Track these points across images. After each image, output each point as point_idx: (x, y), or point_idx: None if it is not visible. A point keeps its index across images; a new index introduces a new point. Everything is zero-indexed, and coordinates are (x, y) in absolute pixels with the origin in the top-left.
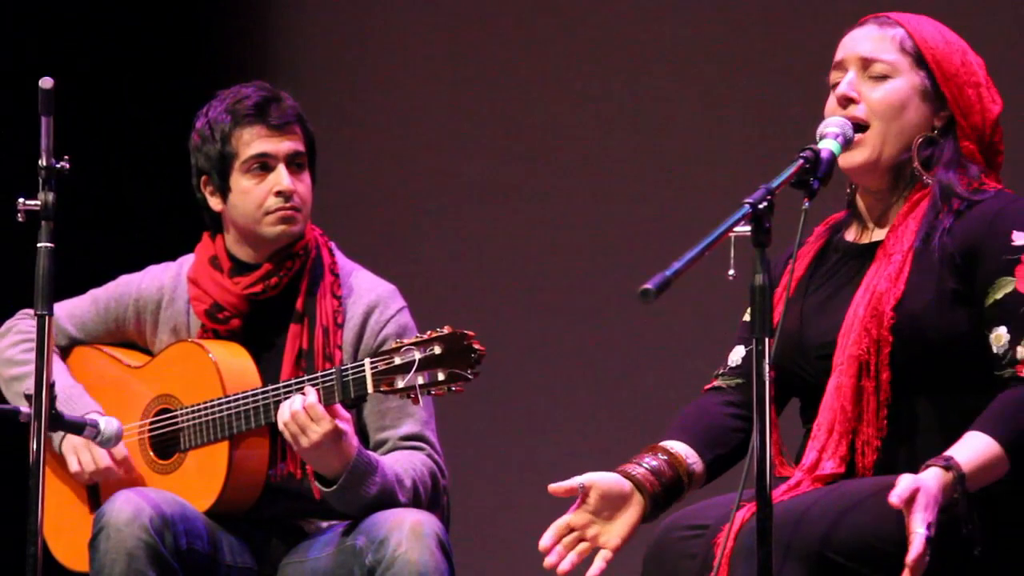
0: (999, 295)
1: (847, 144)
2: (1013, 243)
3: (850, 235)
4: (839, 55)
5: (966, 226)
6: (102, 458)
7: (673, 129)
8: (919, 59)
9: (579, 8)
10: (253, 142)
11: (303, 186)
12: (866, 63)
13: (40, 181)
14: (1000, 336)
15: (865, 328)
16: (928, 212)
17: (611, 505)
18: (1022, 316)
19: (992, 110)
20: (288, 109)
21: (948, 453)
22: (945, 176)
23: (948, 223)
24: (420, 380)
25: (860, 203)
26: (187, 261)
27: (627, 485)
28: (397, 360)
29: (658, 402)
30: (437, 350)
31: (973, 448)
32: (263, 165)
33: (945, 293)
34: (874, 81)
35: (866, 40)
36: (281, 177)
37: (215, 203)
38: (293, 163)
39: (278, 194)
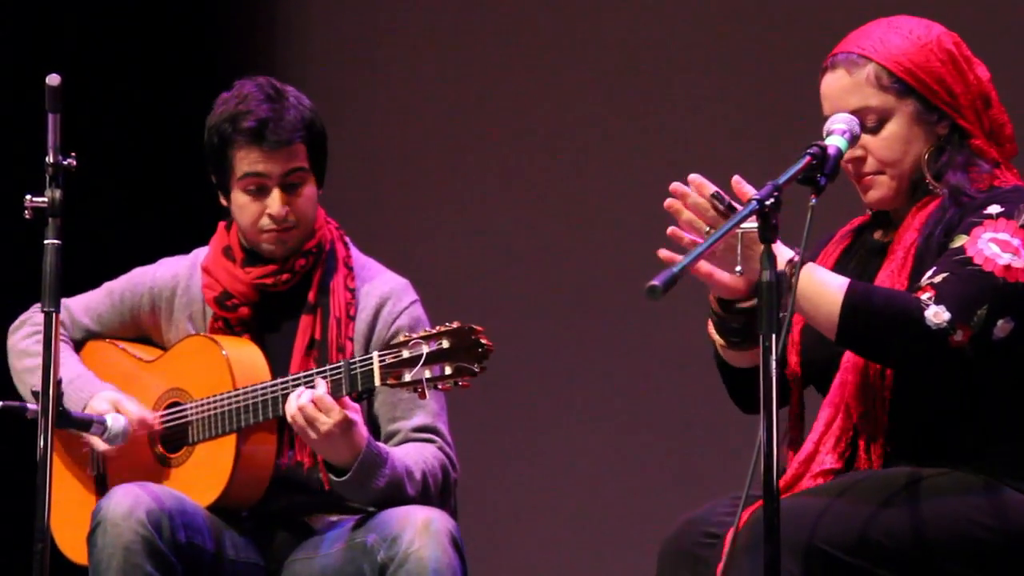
0: (948, 248)
1: (854, 141)
2: (984, 211)
3: (877, 234)
4: (826, 109)
5: (962, 215)
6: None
7: (681, 125)
8: (902, 87)
9: (586, 6)
10: (247, 160)
11: (301, 200)
12: (857, 117)
13: (47, 178)
14: (927, 273)
15: None
16: (934, 212)
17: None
18: (952, 261)
19: (979, 88)
20: (287, 125)
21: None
22: (954, 178)
23: (950, 215)
24: (427, 374)
25: None
26: (201, 252)
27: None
28: (405, 354)
29: (667, 396)
30: (445, 344)
31: (829, 277)
32: (259, 186)
33: None
34: (870, 133)
35: (844, 94)
36: (275, 201)
37: (224, 202)
38: (290, 180)
39: (271, 217)
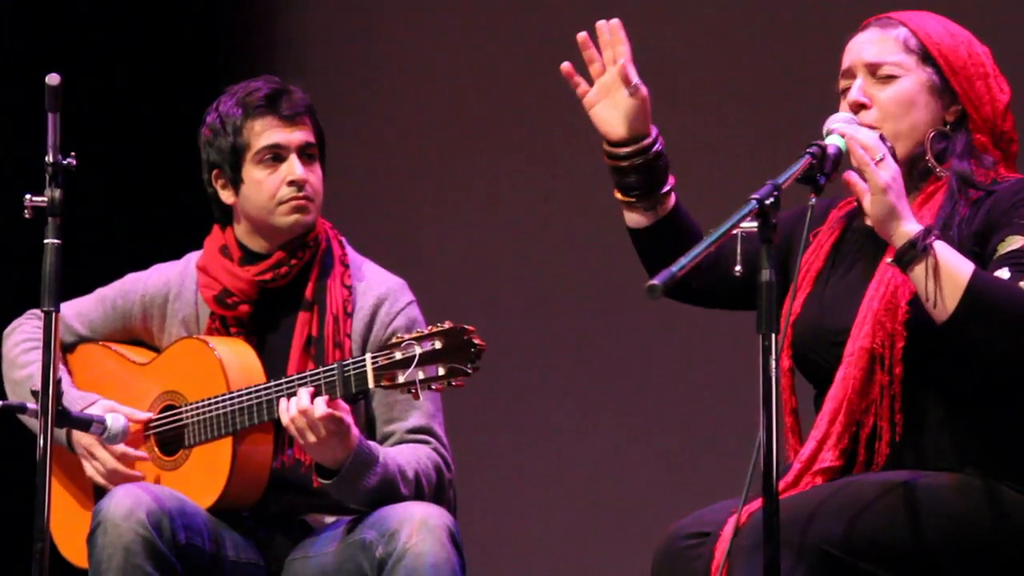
0: (1006, 250)
1: None
2: None
3: (869, 220)
4: (845, 62)
5: (984, 211)
6: (108, 460)
7: (682, 125)
8: (925, 56)
9: (587, 7)
10: (265, 133)
11: (315, 176)
12: (872, 68)
13: (47, 177)
14: (1002, 275)
15: (879, 321)
16: (945, 203)
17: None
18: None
19: (1001, 99)
20: (298, 101)
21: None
22: (960, 165)
23: (965, 212)
24: (420, 375)
25: None
26: (193, 257)
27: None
28: (398, 355)
29: (663, 396)
30: (437, 345)
31: (958, 258)
32: (275, 156)
33: None
34: (882, 83)
35: (870, 44)
36: (294, 167)
37: (227, 196)
38: (304, 154)
39: (291, 184)
